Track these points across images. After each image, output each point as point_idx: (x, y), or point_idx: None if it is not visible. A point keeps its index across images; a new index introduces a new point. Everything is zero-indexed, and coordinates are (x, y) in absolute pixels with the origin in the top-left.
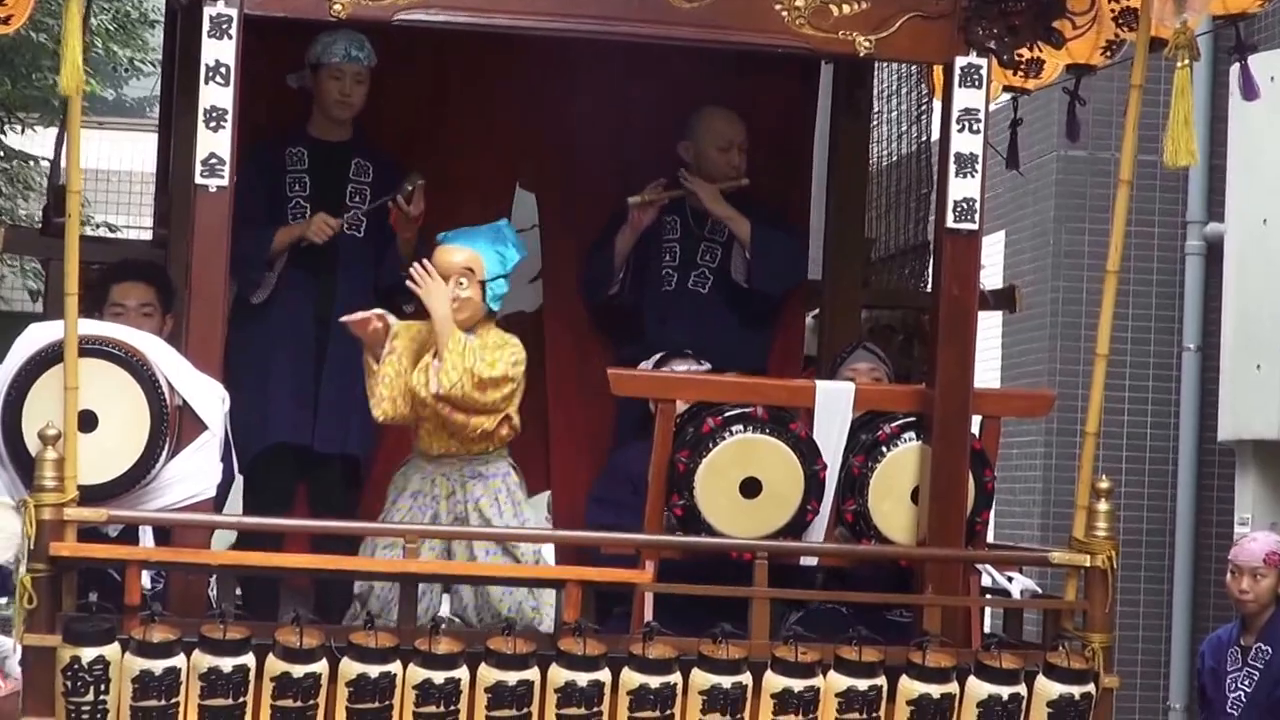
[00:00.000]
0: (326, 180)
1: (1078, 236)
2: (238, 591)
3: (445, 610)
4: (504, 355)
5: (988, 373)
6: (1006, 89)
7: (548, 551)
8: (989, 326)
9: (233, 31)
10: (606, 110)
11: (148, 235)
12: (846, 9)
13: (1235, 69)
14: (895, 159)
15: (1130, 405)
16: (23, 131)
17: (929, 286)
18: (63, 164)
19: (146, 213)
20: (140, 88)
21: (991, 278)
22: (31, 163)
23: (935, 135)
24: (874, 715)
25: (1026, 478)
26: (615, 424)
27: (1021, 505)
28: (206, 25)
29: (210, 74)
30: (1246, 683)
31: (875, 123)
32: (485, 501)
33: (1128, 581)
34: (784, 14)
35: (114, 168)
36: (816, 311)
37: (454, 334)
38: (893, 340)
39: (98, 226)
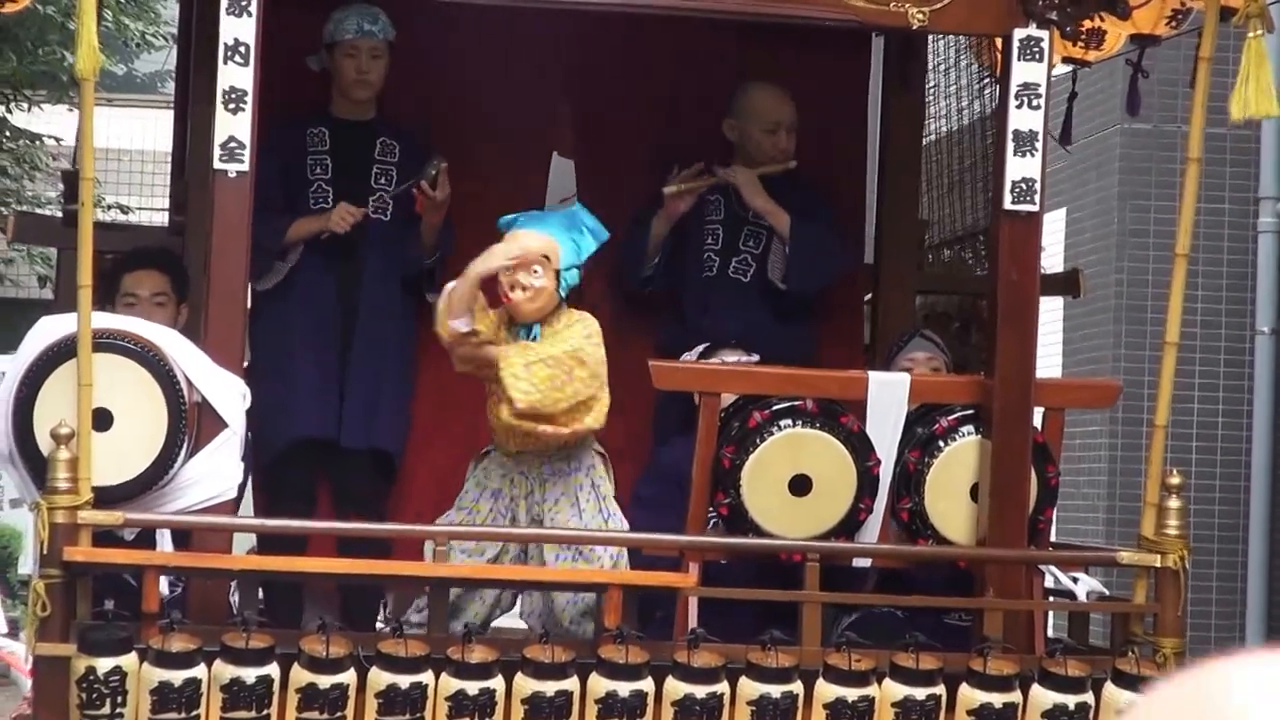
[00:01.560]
0: (350, 161)
1: (1143, 214)
2: (260, 597)
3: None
4: (576, 331)
5: (1049, 361)
6: (1065, 60)
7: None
8: (1050, 311)
9: (253, 9)
10: (647, 83)
11: (161, 217)
12: None
13: None
14: (954, 136)
15: (1200, 394)
16: (29, 109)
17: (987, 269)
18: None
19: (160, 193)
20: (152, 62)
21: (1052, 258)
22: (38, 142)
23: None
24: None
25: (1091, 471)
26: (655, 418)
27: (1086, 501)
28: (225, 2)
29: (229, 53)
30: None
31: (931, 98)
32: (565, 502)
33: (1199, 581)
34: None
35: (125, 146)
36: (870, 297)
37: (499, 353)
38: (949, 327)
39: (109, 208)
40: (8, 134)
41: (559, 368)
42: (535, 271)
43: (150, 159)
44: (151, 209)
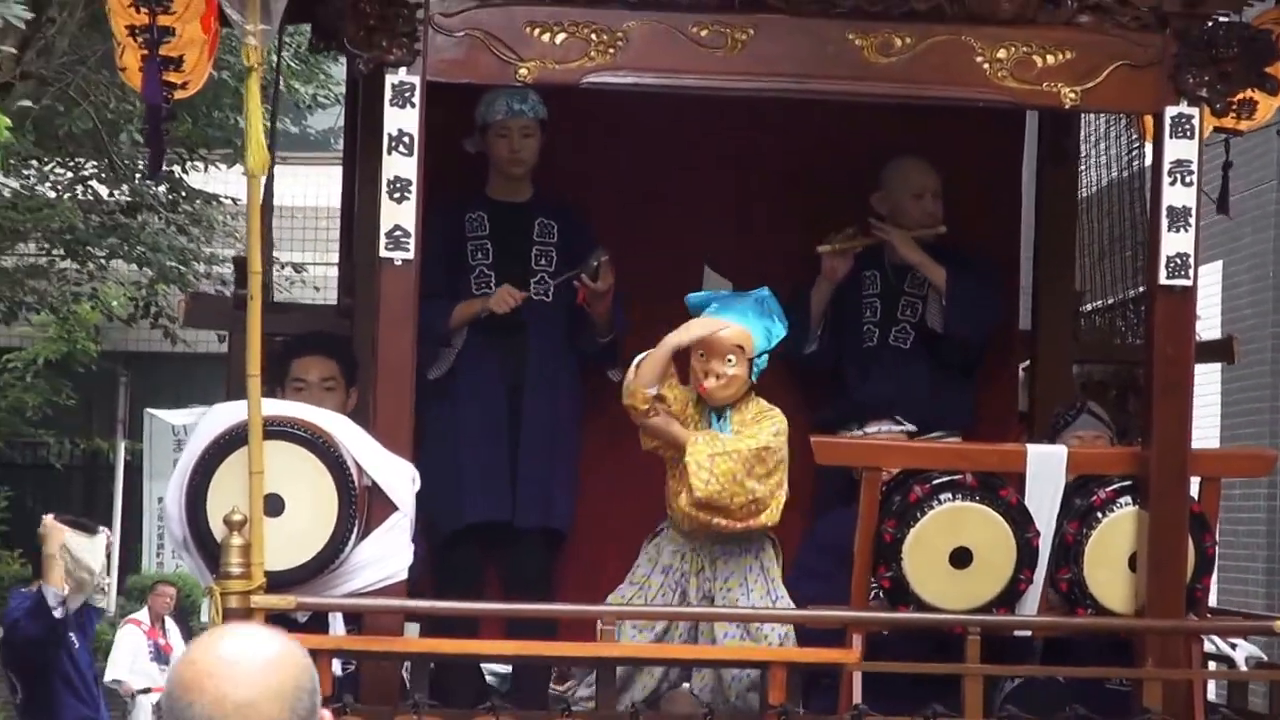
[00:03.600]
0: (510, 243)
1: None
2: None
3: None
4: (764, 427)
5: (1207, 424)
6: (1218, 130)
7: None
8: (1206, 372)
9: (415, 100)
10: (798, 165)
11: (332, 271)
12: (1051, 59)
13: None
14: (1105, 206)
15: None
16: (205, 170)
17: (1141, 337)
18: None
19: (333, 249)
20: (324, 118)
21: (1209, 309)
22: (214, 202)
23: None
24: None
25: (1252, 534)
26: (815, 489)
27: (1245, 569)
28: (389, 94)
29: (393, 144)
30: None
31: (1083, 168)
32: (734, 580)
33: None
34: (985, 66)
35: (299, 204)
36: (1027, 363)
37: (688, 437)
38: (1106, 396)
39: (283, 266)
40: (184, 194)
41: (742, 464)
42: (729, 360)
43: (324, 215)
44: (325, 263)
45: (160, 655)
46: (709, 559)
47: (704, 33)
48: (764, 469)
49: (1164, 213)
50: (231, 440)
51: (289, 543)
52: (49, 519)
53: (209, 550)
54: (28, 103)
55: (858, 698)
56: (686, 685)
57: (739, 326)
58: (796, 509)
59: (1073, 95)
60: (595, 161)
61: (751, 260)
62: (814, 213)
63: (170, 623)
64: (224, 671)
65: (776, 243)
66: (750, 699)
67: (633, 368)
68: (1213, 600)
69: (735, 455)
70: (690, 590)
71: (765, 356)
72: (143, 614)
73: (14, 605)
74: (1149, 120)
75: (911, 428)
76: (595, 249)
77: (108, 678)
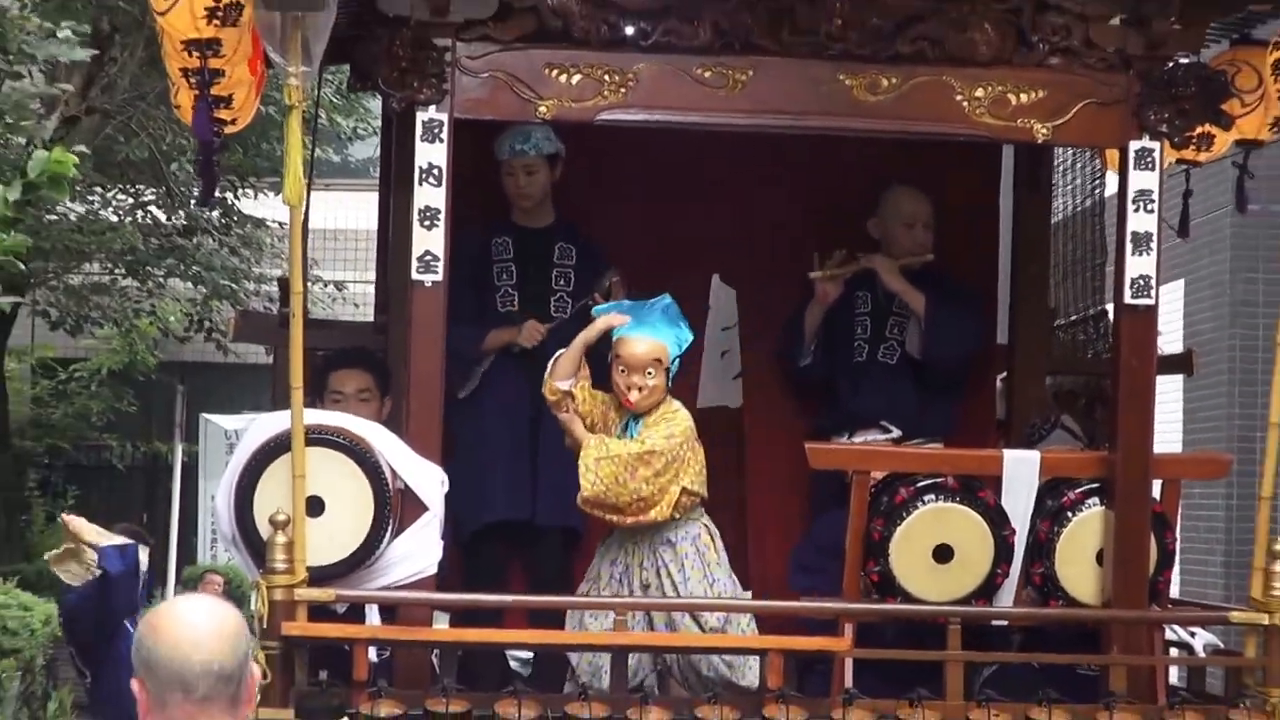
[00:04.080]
0: (532, 266)
1: (1252, 287)
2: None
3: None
4: (658, 431)
5: (1170, 430)
6: (1178, 161)
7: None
8: (1168, 383)
9: (444, 135)
10: (798, 196)
11: (369, 289)
12: (1024, 98)
13: None
14: (1072, 230)
15: None
16: (254, 197)
17: (1107, 351)
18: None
19: (371, 268)
20: (363, 148)
21: (1170, 325)
22: (263, 226)
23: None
24: None
25: (1211, 530)
26: (810, 495)
27: (1205, 561)
28: (420, 130)
29: (424, 176)
30: None
31: (1053, 194)
32: (673, 568)
33: None
34: (965, 104)
35: (340, 226)
36: (1004, 375)
37: (585, 439)
38: (1076, 405)
39: (325, 285)
40: (235, 218)
41: (624, 467)
42: (649, 373)
43: (363, 237)
44: (364, 281)
45: None
46: (650, 549)
47: (707, 74)
48: (649, 470)
49: (1128, 238)
50: (276, 447)
51: (328, 541)
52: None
53: (255, 547)
54: (84, 148)
55: (849, 682)
56: (664, 668)
57: (654, 340)
58: (794, 510)
59: (1044, 130)
60: (611, 190)
61: (753, 277)
62: (811, 236)
63: None
64: (181, 620)
65: (776, 263)
66: (721, 671)
67: (550, 362)
68: (1174, 592)
69: (618, 459)
70: (633, 579)
71: (678, 361)
72: None
73: (83, 592)
74: (1114, 153)
75: (898, 434)
76: (610, 272)
77: None
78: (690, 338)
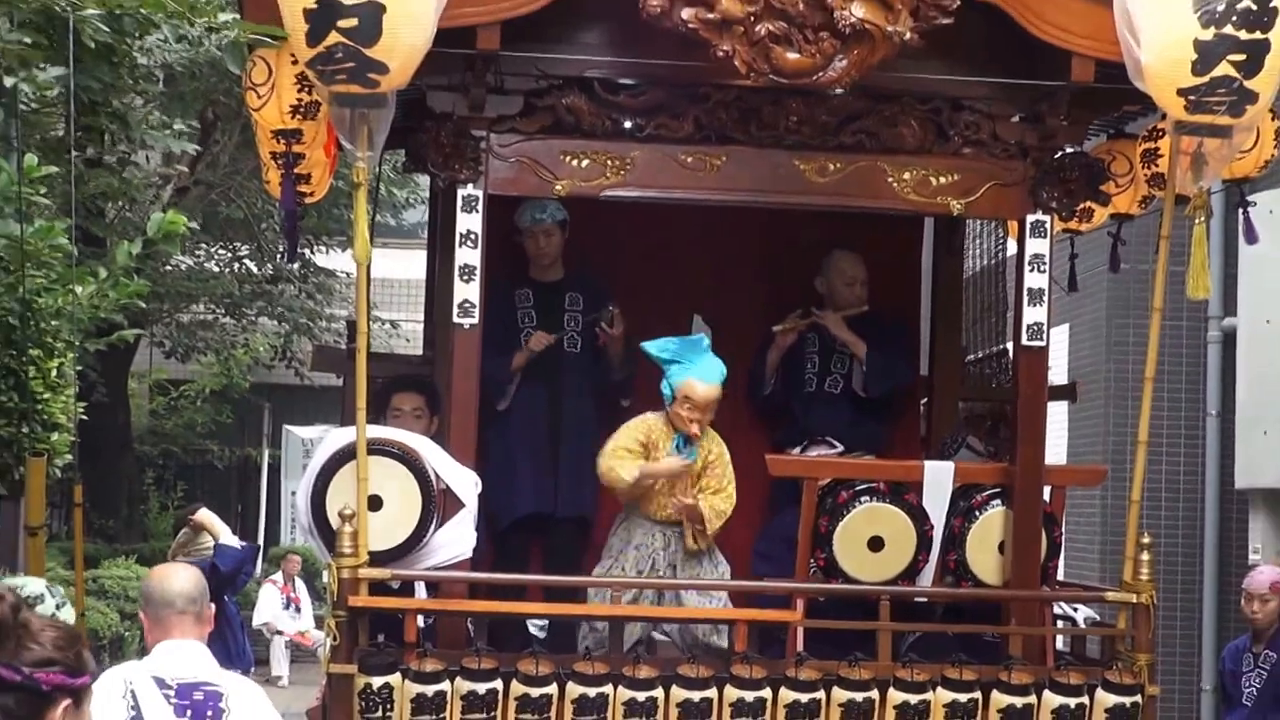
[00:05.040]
0: (548, 311)
1: (1124, 330)
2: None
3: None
4: (725, 451)
5: (1057, 446)
6: (1065, 231)
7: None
8: (1056, 409)
9: (479, 208)
10: (761, 255)
11: (419, 327)
12: (943, 180)
13: (1240, 214)
14: (979, 284)
15: (1167, 461)
16: (327, 253)
17: (1008, 382)
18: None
19: (418, 308)
20: (415, 214)
21: (1058, 361)
22: (334, 276)
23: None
24: None
25: (1088, 526)
26: (770, 494)
27: (1085, 552)
28: (460, 203)
29: (463, 240)
30: (1257, 680)
31: (966, 254)
32: (701, 555)
33: (1166, 612)
34: (894, 184)
35: (395, 277)
36: (926, 400)
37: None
38: (983, 425)
39: (383, 324)
40: (312, 270)
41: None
42: (709, 411)
43: (413, 285)
44: (415, 321)
45: (290, 605)
46: (674, 536)
47: (690, 159)
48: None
49: (1025, 292)
50: (344, 455)
51: (385, 531)
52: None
53: (327, 535)
54: (192, 213)
55: (800, 647)
56: (664, 634)
57: (718, 386)
58: (756, 509)
59: (959, 206)
60: (613, 250)
61: (725, 317)
62: (771, 286)
63: (299, 582)
64: (164, 571)
65: (745, 306)
66: (711, 639)
67: (629, 474)
68: (1060, 575)
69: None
70: (659, 561)
71: None
72: (278, 576)
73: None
74: (1014, 224)
75: (840, 449)
76: (609, 306)
77: (256, 622)
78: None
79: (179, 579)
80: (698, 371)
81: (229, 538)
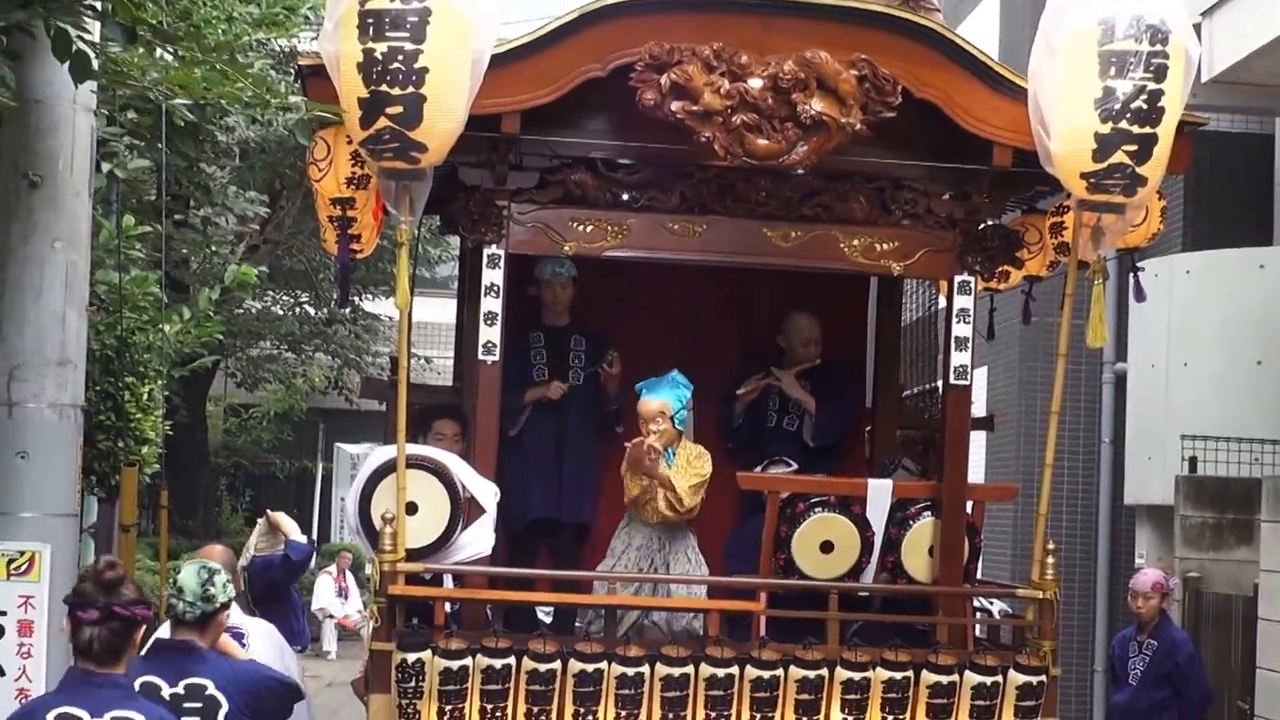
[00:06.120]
0: (556, 351)
1: (1033, 373)
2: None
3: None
4: (701, 460)
5: (976, 467)
6: (986, 289)
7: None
8: (977, 436)
9: (501, 264)
10: (732, 310)
11: (449, 363)
12: (886, 246)
13: (1131, 277)
14: (915, 332)
15: (1068, 481)
16: (374, 300)
17: (938, 414)
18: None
19: (448, 347)
20: (446, 269)
21: (979, 397)
22: (378, 319)
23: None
24: (905, 695)
25: (1002, 534)
26: (740, 505)
27: (1000, 555)
28: (485, 260)
29: (487, 291)
30: (1140, 664)
31: (904, 309)
32: (679, 554)
33: (1068, 596)
34: (845, 249)
35: (430, 321)
36: (869, 428)
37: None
38: (916, 449)
39: (419, 359)
40: (361, 314)
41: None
42: (658, 422)
43: (445, 328)
44: (443, 357)
45: (341, 593)
46: (667, 540)
47: (675, 226)
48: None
49: (953, 340)
50: (386, 469)
51: (419, 532)
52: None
53: (371, 535)
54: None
55: (763, 633)
56: (653, 622)
57: (657, 399)
58: (727, 516)
59: (898, 268)
60: (612, 302)
61: (704, 364)
62: (741, 338)
63: (349, 574)
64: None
65: (722, 354)
66: (692, 626)
67: (648, 477)
68: (979, 574)
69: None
70: (656, 559)
71: (684, 412)
72: (332, 568)
73: (267, 558)
74: (944, 283)
75: (795, 466)
76: (610, 351)
77: (313, 606)
78: (688, 393)
79: (217, 554)
80: (644, 392)
81: (298, 535)
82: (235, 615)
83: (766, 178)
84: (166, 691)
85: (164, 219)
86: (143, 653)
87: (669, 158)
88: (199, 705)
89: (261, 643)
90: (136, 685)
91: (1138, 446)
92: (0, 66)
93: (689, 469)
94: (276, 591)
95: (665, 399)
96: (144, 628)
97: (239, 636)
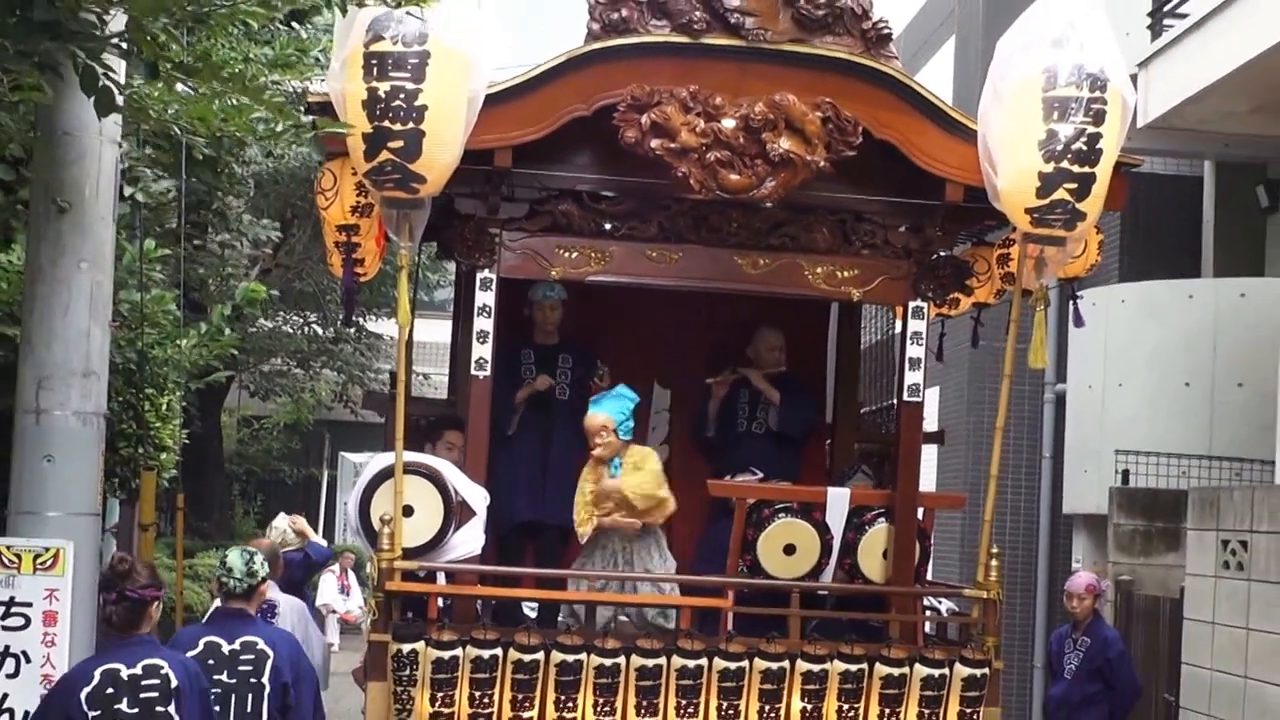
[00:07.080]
0: (545, 367)
1: (981, 392)
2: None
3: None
4: (649, 466)
5: (928, 477)
6: (938, 315)
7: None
8: (929, 449)
9: (492, 287)
10: (706, 330)
11: (444, 378)
12: (846, 273)
13: (1071, 305)
14: (873, 353)
15: (1011, 491)
16: (376, 320)
17: (893, 428)
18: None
19: (444, 364)
20: (443, 292)
21: (931, 414)
22: (380, 338)
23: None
24: (860, 686)
25: (951, 539)
26: (709, 510)
27: (948, 558)
28: (478, 283)
29: (480, 311)
30: (1075, 659)
31: (864, 330)
32: (644, 552)
33: (1010, 596)
34: (809, 276)
35: (427, 340)
36: (830, 441)
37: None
38: (873, 460)
39: (417, 375)
40: (364, 333)
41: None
42: (603, 434)
43: (441, 347)
44: (439, 373)
45: (344, 590)
46: (631, 540)
47: (654, 254)
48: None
49: (907, 360)
50: (384, 475)
51: (415, 533)
52: (285, 517)
53: (371, 535)
54: (270, 291)
55: (730, 627)
56: (625, 618)
57: (599, 413)
58: (698, 521)
59: (858, 293)
60: (597, 322)
61: (678, 380)
62: (713, 355)
63: (351, 572)
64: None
65: (696, 367)
66: (659, 621)
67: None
68: (929, 575)
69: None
70: (619, 558)
71: (629, 422)
72: (336, 567)
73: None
74: (900, 309)
75: (761, 475)
76: (598, 367)
77: (317, 602)
78: (632, 404)
79: (265, 545)
80: (590, 408)
81: (317, 537)
82: (271, 591)
83: (737, 210)
84: (226, 648)
85: (183, 243)
86: (204, 620)
87: (648, 190)
88: (252, 657)
89: (290, 615)
90: (201, 644)
91: (1075, 460)
92: (28, 103)
93: (636, 472)
94: (294, 588)
95: (608, 413)
96: (156, 604)
97: (272, 608)
